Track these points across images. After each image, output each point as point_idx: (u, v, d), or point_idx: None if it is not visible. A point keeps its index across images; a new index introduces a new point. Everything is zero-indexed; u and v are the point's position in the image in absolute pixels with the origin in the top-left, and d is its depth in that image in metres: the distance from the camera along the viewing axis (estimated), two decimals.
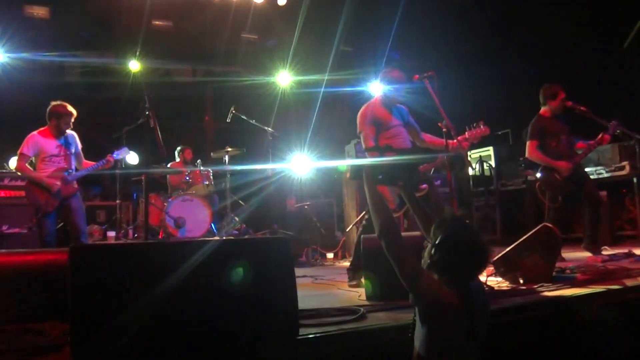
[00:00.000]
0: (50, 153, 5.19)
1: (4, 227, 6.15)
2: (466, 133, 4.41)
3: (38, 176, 5.10)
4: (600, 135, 5.26)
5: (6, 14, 7.39)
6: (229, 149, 7.23)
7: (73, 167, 5.31)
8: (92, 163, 5.48)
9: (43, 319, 2.73)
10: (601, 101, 6.14)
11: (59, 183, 5.10)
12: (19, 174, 5.26)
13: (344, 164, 7.72)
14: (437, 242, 2.09)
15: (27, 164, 5.14)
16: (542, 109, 5.51)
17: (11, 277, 2.91)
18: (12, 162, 6.61)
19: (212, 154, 7.61)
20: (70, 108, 5.28)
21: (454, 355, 2.08)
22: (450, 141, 4.34)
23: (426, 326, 2.07)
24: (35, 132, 5.20)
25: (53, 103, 5.28)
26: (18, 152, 5.12)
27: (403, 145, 4.41)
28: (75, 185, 5.32)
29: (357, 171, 2.53)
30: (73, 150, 5.35)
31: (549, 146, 5.34)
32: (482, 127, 4.37)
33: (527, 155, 5.44)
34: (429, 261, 2.11)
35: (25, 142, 5.13)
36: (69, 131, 5.34)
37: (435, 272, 2.11)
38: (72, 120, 5.30)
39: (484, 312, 2.17)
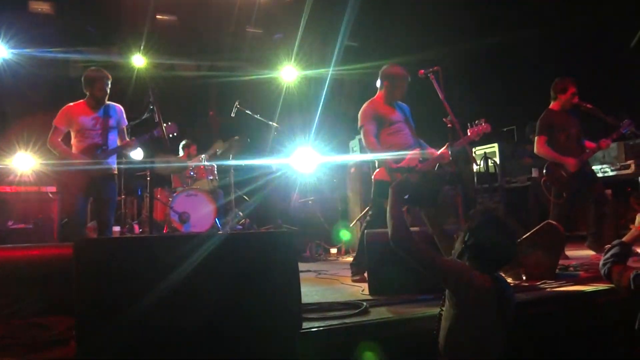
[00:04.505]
0: (85, 126, 4.84)
1: (10, 223, 6.06)
2: (468, 131, 4.35)
3: (68, 153, 4.79)
4: (610, 137, 5.18)
5: (11, 10, 7.38)
6: (236, 138, 7.20)
7: (110, 143, 4.91)
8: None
9: (49, 314, 2.74)
10: (608, 100, 6.10)
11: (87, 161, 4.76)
12: (51, 149, 4.88)
13: (349, 159, 7.72)
14: (471, 228, 2.27)
15: (60, 140, 4.83)
16: (552, 103, 5.45)
17: (16, 271, 2.92)
18: (17, 158, 6.54)
19: (217, 150, 7.58)
20: (103, 71, 4.94)
21: (480, 341, 2.15)
22: (430, 150, 4.31)
23: (455, 307, 2.20)
24: (70, 104, 4.92)
25: (87, 70, 4.96)
26: (52, 123, 4.85)
27: (405, 142, 4.38)
28: (110, 166, 4.93)
29: (383, 192, 2.68)
30: (114, 124, 4.98)
31: (558, 140, 5.28)
32: (483, 124, 4.29)
33: (535, 151, 5.40)
34: (462, 247, 2.28)
35: (59, 114, 4.85)
36: (111, 103, 5.03)
37: (468, 256, 2.27)
38: (109, 83, 4.95)
39: (511, 301, 2.33)
